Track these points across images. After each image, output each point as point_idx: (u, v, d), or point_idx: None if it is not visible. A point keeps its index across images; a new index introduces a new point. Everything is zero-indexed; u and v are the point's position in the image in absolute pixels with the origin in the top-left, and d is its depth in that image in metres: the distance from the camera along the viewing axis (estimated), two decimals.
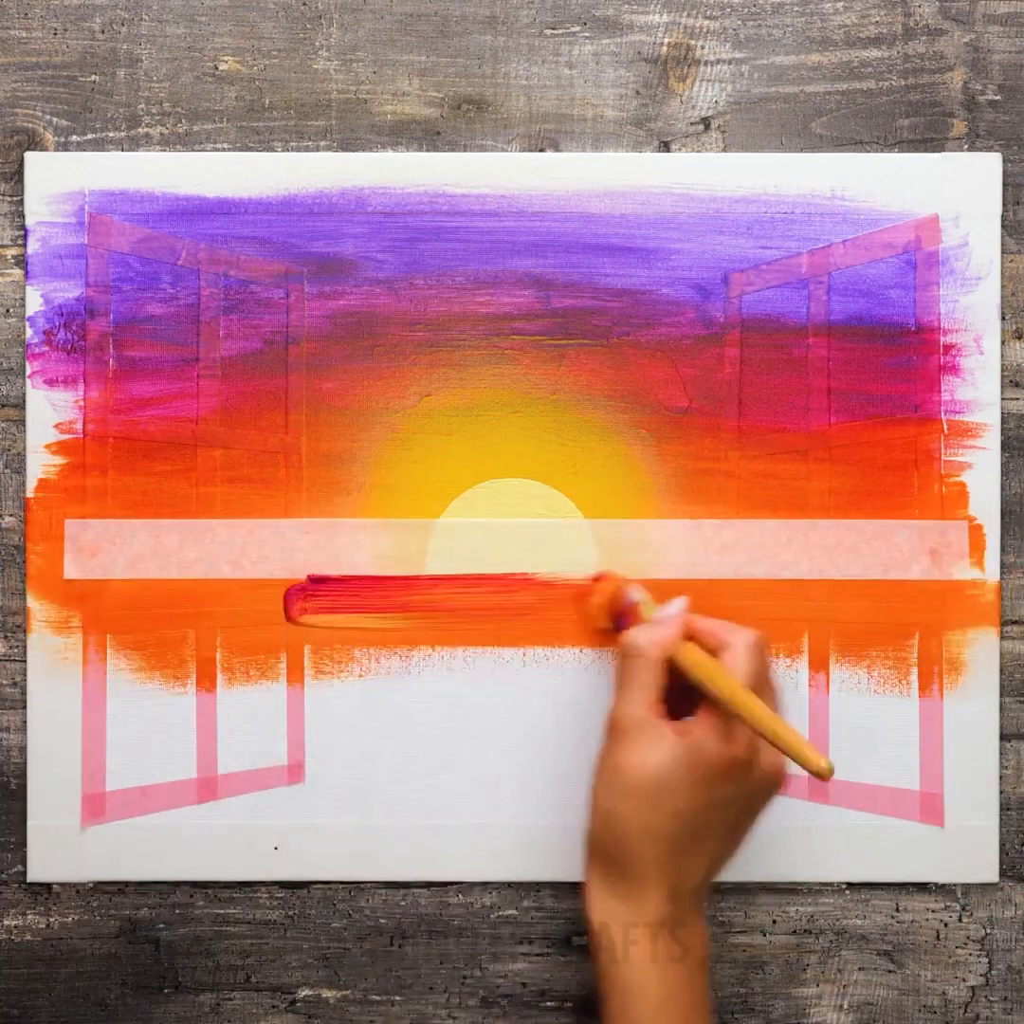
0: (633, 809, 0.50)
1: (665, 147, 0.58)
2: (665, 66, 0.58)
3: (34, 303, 0.57)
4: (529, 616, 0.57)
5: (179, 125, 0.58)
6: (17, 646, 0.58)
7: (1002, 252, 0.57)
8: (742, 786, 0.50)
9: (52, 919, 0.58)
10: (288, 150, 0.58)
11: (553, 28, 0.58)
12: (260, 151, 0.58)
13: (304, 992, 0.58)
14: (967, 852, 0.57)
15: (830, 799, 0.57)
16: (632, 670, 0.51)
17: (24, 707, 0.57)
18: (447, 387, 0.58)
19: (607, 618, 0.56)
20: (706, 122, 0.58)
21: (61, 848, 0.57)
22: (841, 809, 0.57)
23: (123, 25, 0.58)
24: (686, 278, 0.57)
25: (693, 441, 0.57)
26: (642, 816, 0.49)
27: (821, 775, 0.46)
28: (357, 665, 0.57)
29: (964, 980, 0.58)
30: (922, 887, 0.58)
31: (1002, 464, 0.58)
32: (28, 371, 0.57)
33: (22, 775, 0.58)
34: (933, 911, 0.58)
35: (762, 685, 0.51)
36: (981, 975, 0.58)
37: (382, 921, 0.58)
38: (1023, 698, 0.58)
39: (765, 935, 0.58)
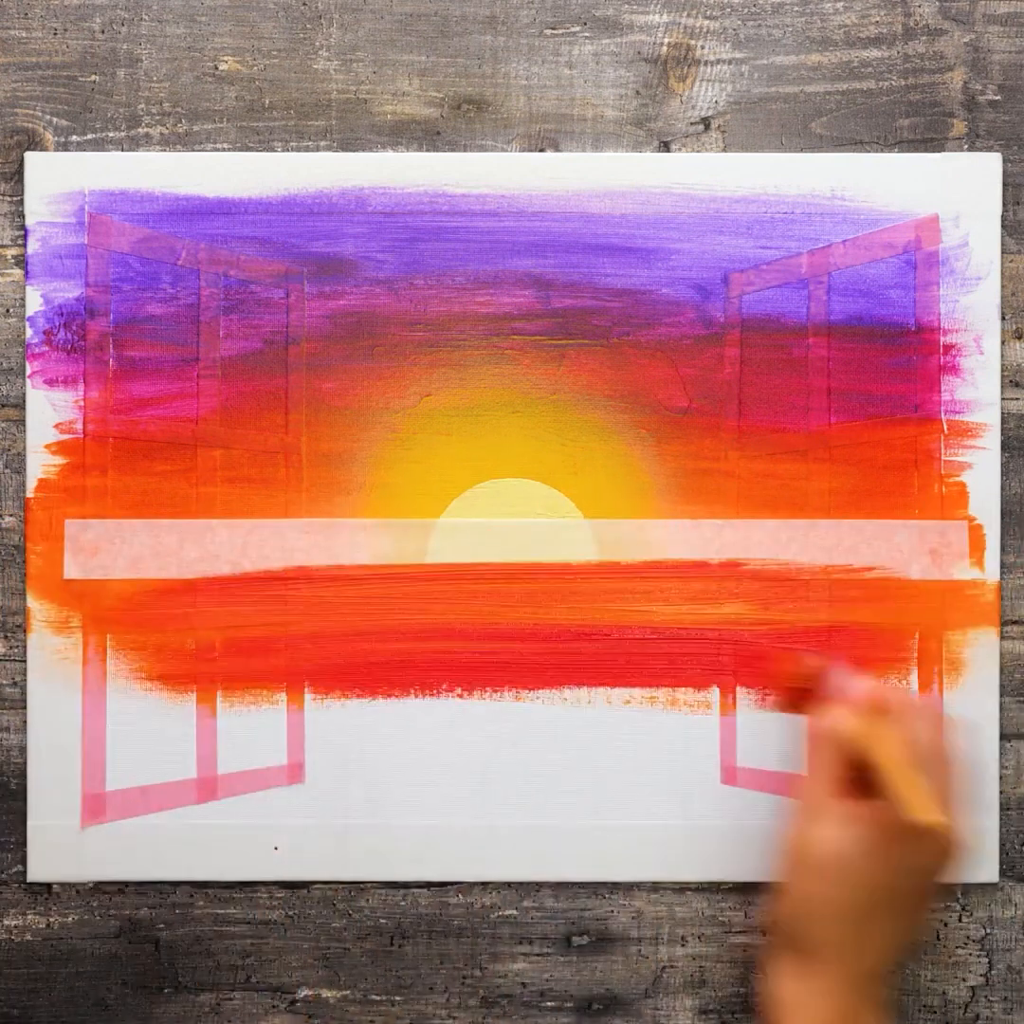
0: (818, 887, 0.49)
1: (665, 147, 0.58)
2: (665, 66, 0.58)
3: (34, 303, 0.57)
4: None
5: (179, 125, 0.58)
6: (17, 646, 0.58)
7: (1002, 252, 0.57)
8: (917, 854, 0.49)
9: (52, 919, 0.58)
10: (288, 150, 0.58)
11: (553, 28, 0.58)
12: (260, 151, 0.58)
13: (304, 992, 0.58)
14: (967, 852, 0.57)
15: None
16: (822, 750, 0.51)
17: (24, 707, 0.57)
18: (447, 387, 0.58)
19: (799, 693, 0.55)
20: (706, 122, 0.58)
21: (61, 848, 0.57)
22: None
23: (123, 25, 0.58)
24: (686, 278, 0.57)
25: (693, 441, 0.57)
26: (826, 892, 0.49)
27: (935, 830, 0.47)
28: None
29: (964, 980, 0.58)
30: None
31: (1002, 464, 0.58)
32: (28, 371, 0.57)
33: (22, 775, 0.58)
34: (933, 911, 0.58)
35: (935, 756, 0.50)
36: (981, 975, 0.58)
37: (382, 921, 0.58)
38: (1023, 698, 0.58)
39: (765, 935, 0.58)
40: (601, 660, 0.57)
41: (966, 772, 0.52)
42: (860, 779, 0.50)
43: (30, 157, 0.57)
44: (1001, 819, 0.58)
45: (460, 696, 0.57)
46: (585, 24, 0.58)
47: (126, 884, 0.58)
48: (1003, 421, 0.58)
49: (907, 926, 0.51)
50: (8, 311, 0.58)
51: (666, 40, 0.58)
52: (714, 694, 0.57)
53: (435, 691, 0.57)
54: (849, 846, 0.49)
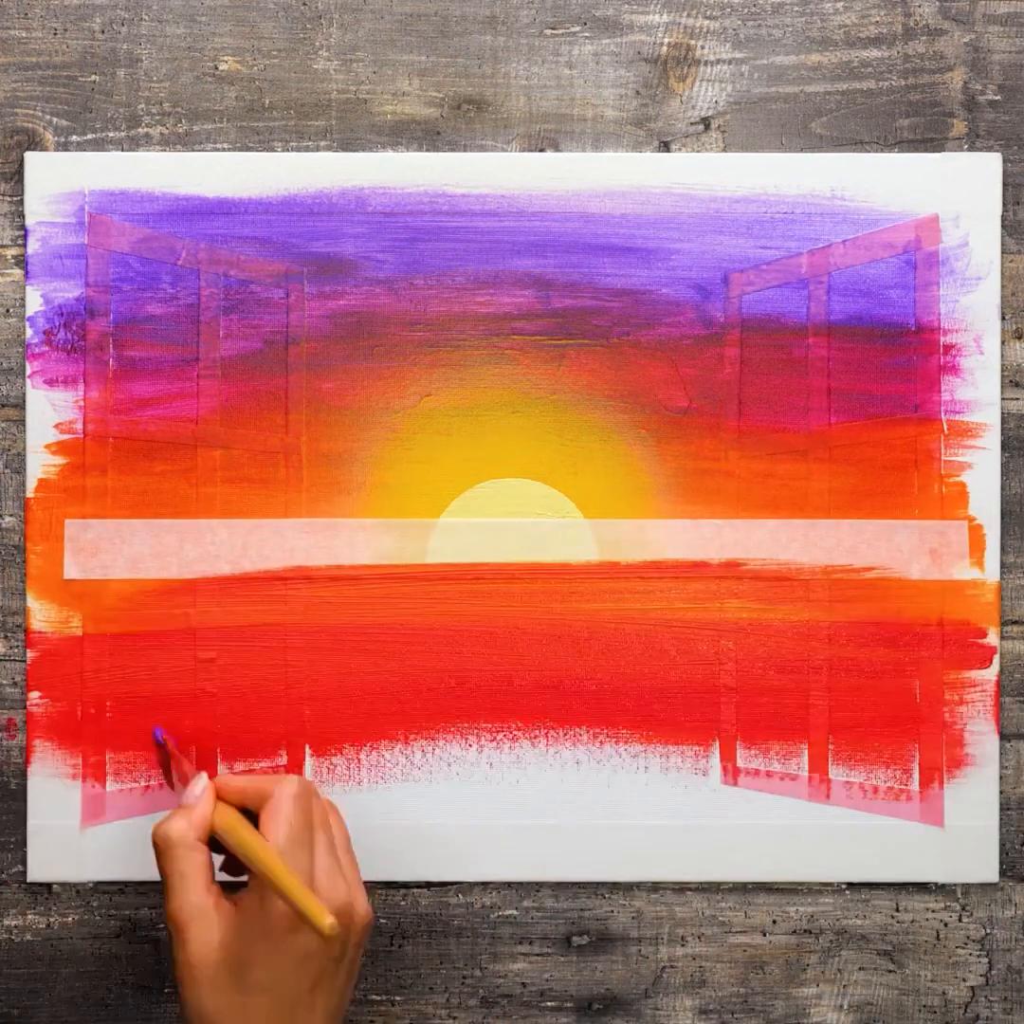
0: (218, 1000, 0.46)
1: (665, 147, 0.58)
2: (665, 66, 0.58)
3: (34, 303, 0.57)
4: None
5: (179, 125, 0.58)
6: (17, 646, 0.58)
7: (1002, 252, 0.58)
8: (311, 938, 0.47)
9: (52, 919, 0.58)
10: (288, 150, 0.58)
11: (553, 28, 0.58)
12: (260, 151, 0.58)
13: None
14: (967, 852, 0.57)
15: (830, 799, 0.57)
16: (173, 863, 0.49)
17: (24, 707, 0.57)
18: (447, 387, 0.58)
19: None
20: (706, 122, 0.58)
21: (61, 848, 0.57)
22: (841, 809, 0.57)
23: (123, 25, 0.58)
24: (686, 278, 0.57)
25: (693, 441, 0.57)
26: (228, 1002, 0.46)
27: (321, 932, 0.44)
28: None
29: (964, 980, 0.58)
30: (922, 887, 0.58)
31: (1002, 464, 0.58)
32: (28, 371, 0.57)
33: (22, 775, 0.58)
34: (933, 911, 0.58)
35: (307, 834, 0.49)
36: (981, 975, 0.58)
37: (382, 921, 0.58)
38: (1023, 698, 0.58)
39: (765, 935, 0.58)
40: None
41: (345, 841, 0.52)
42: (236, 865, 0.49)
43: (30, 157, 0.57)
44: (1001, 819, 0.58)
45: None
46: (585, 24, 0.58)
47: (126, 884, 0.58)
48: (1003, 421, 0.58)
49: (334, 1008, 0.48)
50: (8, 311, 0.58)
51: (666, 40, 0.58)
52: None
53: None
54: (238, 946, 0.47)
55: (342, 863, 0.50)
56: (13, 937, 0.58)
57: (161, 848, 0.49)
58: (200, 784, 0.51)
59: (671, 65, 0.58)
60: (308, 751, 0.57)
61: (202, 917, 0.47)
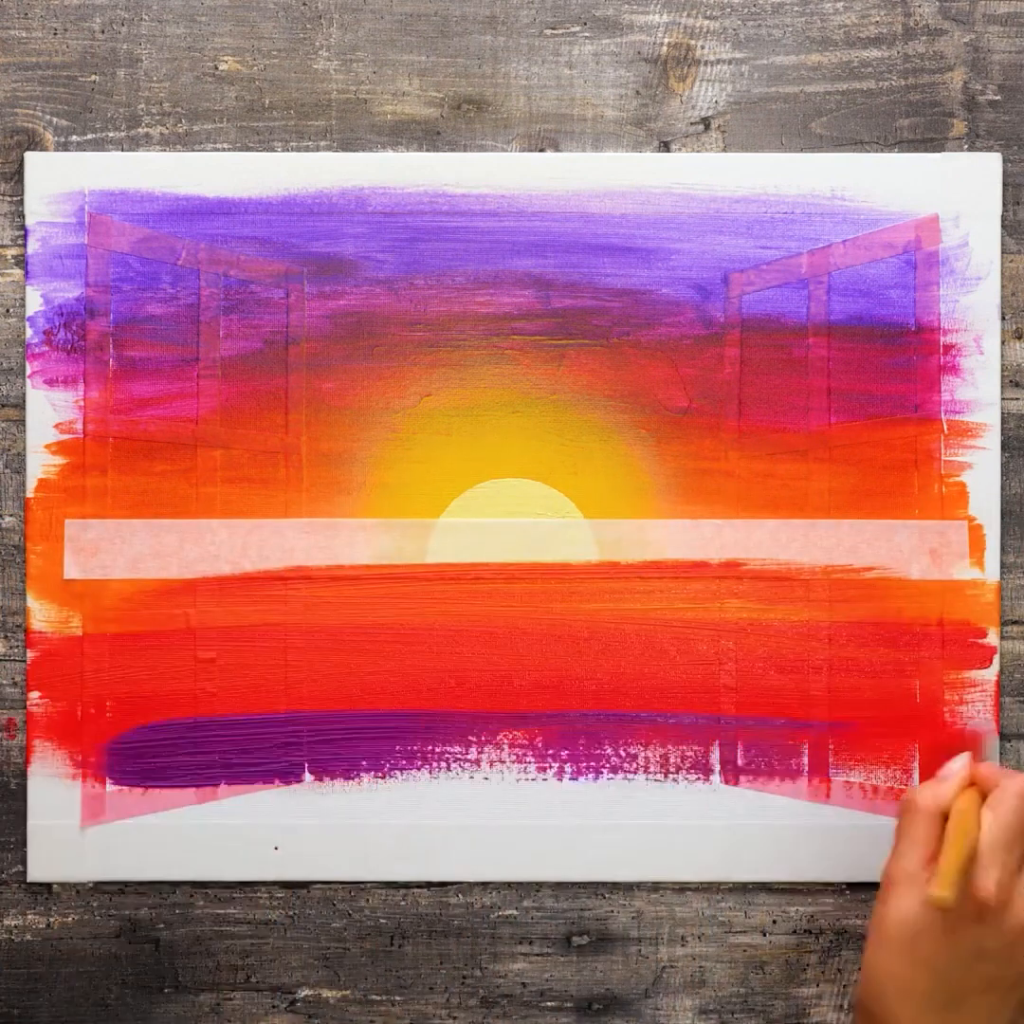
0: (889, 963, 0.48)
1: (665, 147, 0.58)
2: (665, 66, 0.58)
3: (34, 303, 0.57)
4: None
5: (179, 125, 0.58)
6: (17, 646, 0.58)
7: (1002, 252, 0.57)
8: (995, 936, 0.47)
9: (52, 919, 0.58)
10: (288, 150, 0.58)
11: (553, 28, 0.58)
12: (260, 151, 0.58)
13: (304, 992, 0.58)
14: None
15: (830, 799, 0.57)
16: (906, 826, 0.50)
17: (24, 707, 0.57)
18: (447, 387, 0.58)
19: None
20: (706, 122, 0.58)
21: (61, 848, 0.57)
22: (841, 809, 0.57)
23: (123, 25, 0.58)
24: (686, 278, 0.57)
25: (693, 441, 0.57)
26: (896, 969, 0.48)
27: (929, 895, 0.46)
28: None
29: None
30: None
31: (1002, 464, 0.58)
32: (28, 371, 0.57)
33: (22, 775, 0.58)
34: None
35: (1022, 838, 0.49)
36: None
37: (382, 921, 0.58)
38: (1023, 698, 0.58)
39: (765, 935, 0.58)
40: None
41: None
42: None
43: (30, 157, 0.57)
44: None
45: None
46: (585, 24, 0.58)
47: (126, 884, 0.58)
48: (1003, 421, 0.58)
49: (990, 1016, 0.48)
50: (8, 311, 0.58)
51: (666, 40, 0.58)
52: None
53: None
54: (918, 920, 0.47)
55: None
56: (13, 937, 0.58)
57: (902, 809, 0.51)
58: (959, 762, 0.52)
59: (671, 65, 0.58)
60: (308, 751, 0.57)
61: (908, 883, 0.49)
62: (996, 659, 0.57)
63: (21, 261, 0.57)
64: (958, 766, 0.52)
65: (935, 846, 0.49)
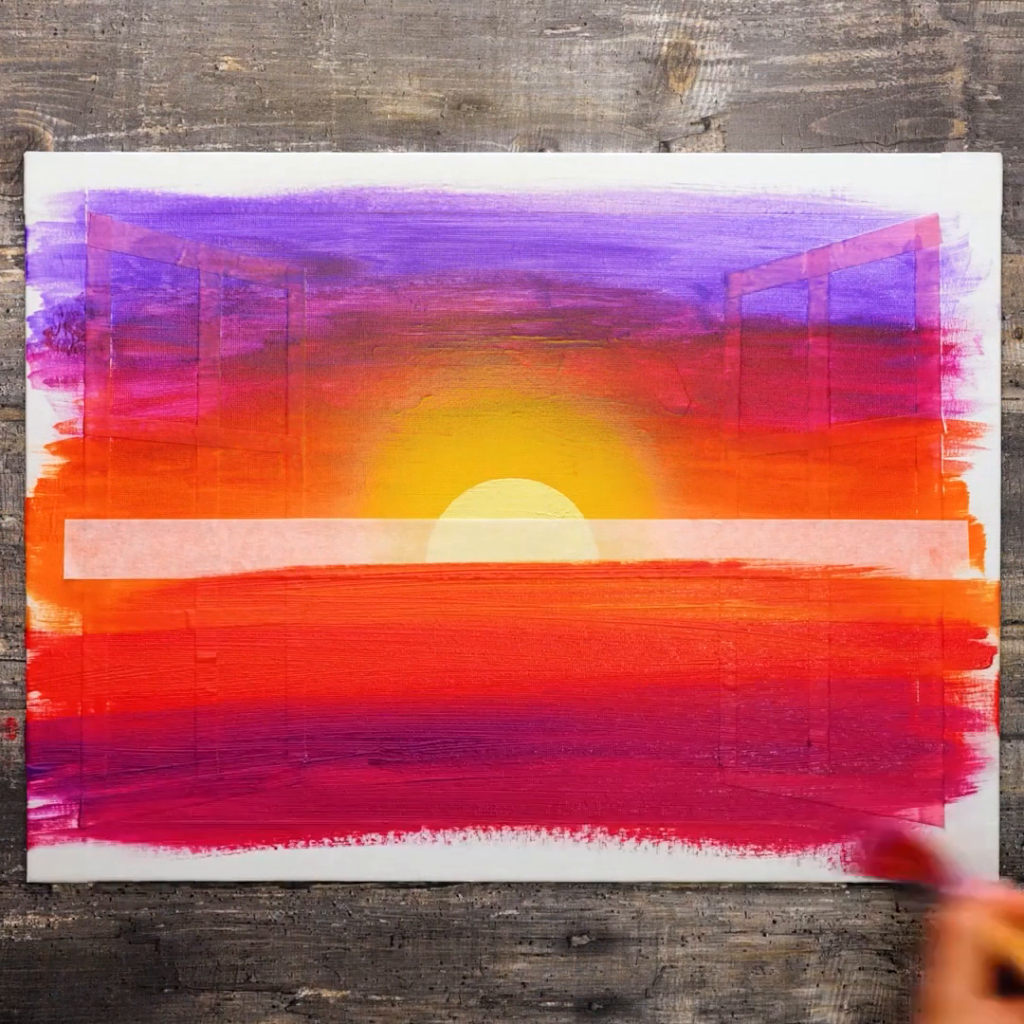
0: None
1: (665, 147, 0.58)
2: (665, 66, 0.58)
3: (34, 303, 0.57)
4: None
5: (179, 125, 0.58)
6: (17, 646, 0.58)
7: (1002, 252, 0.57)
8: None
9: (52, 919, 0.58)
10: (288, 150, 0.58)
11: (553, 28, 0.58)
12: (260, 151, 0.58)
13: (304, 992, 0.58)
14: (967, 852, 0.57)
15: (830, 799, 0.57)
16: (957, 950, 0.50)
17: (24, 707, 0.57)
18: (447, 387, 0.58)
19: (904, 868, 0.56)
20: (706, 122, 0.58)
21: (61, 848, 0.57)
22: (841, 809, 0.57)
23: (123, 25, 0.58)
24: (686, 278, 0.57)
25: (693, 441, 0.58)
26: None
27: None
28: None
29: None
30: (922, 888, 0.58)
31: (1002, 464, 0.58)
32: (28, 371, 0.57)
33: (22, 775, 0.58)
34: (933, 911, 0.58)
35: None
36: None
37: (382, 921, 0.58)
38: (1023, 697, 0.58)
39: (765, 935, 0.58)
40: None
41: None
42: (1000, 979, 0.49)
43: (30, 157, 0.57)
44: (1001, 819, 0.58)
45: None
46: (585, 24, 0.58)
47: (126, 884, 0.58)
48: (1003, 421, 0.58)
49: None
50: (8, 311, 0.58)
51: (666, 40, 0.58)
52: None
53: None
54: None
55: None
56: (13, 937, 0.58)
57: (951, 931, 0.50)
58: (990, 887, 0.52)
59: (671, 65, 0.58)
60: (308, 751, 0.57)
61: (970, 1009, 0.49)
62: (996, 659, 0.57)
63: (21, 261, 0.57)
64: (999, 894, 0.51)
65: (982, 971, 0.49)
